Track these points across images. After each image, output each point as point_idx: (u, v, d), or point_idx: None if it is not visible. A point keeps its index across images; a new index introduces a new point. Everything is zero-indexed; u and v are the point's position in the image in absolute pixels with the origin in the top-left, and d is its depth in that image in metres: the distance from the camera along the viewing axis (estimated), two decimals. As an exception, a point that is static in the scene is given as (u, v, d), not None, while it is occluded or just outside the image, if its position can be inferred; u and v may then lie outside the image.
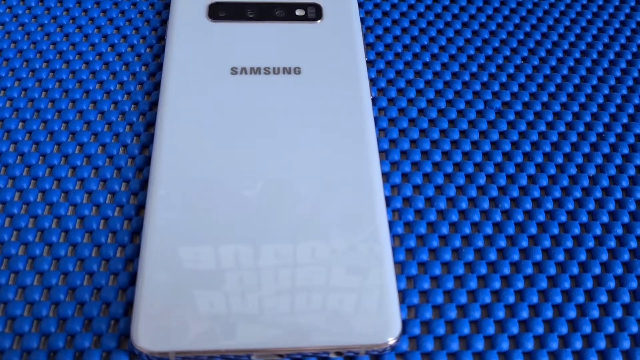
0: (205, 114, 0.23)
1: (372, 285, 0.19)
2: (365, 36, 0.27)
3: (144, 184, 0.22)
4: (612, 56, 0.27)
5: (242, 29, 0.25)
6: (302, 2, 0.26)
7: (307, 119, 0.23)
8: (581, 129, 0.25)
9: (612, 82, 0.26)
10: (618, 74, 0.26)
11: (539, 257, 0.21)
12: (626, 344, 0.20)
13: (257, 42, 0.25)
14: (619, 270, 0.21)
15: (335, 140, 0.22)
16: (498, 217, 0.22)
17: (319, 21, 0.26)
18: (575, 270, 0.21)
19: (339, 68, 0.24)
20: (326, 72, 0.24)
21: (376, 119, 0.24)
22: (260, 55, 0.24)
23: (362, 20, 0.27)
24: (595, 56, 0.27)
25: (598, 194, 0.23)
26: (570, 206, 0.23)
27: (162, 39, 0.26)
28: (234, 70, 0.24)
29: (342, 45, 0.25)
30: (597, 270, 0.21)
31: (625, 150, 0.24)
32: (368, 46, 0.27)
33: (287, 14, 0.26)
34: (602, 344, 0.20)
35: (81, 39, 0.26)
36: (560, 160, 0.24)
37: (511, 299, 0.21)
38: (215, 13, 0.25)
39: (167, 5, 0.27)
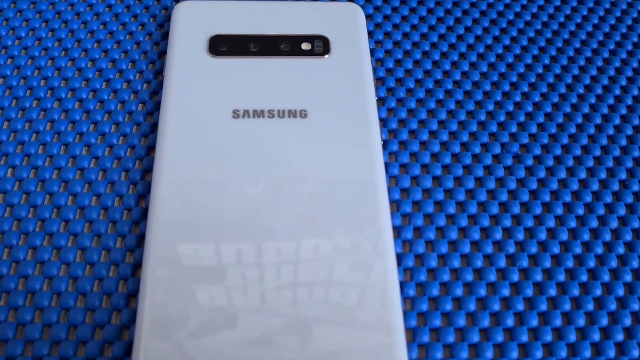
0: (205, 162, 0.21)
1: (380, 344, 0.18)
2: (375, 70, 0.25)
3: (141, 240, 0.21)
4: (630, 101, 0.25)
5: (244, 65, 0.24)
6: (309, 35, 0.25)
7: (314, 168, 0.21)
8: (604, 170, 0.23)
9: (636, 121, 0.25)
10: (636, 122, 0.25)
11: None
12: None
13: (260, 81, 0.23)
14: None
15: (344, 192, 0.21)
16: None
17: (326, 56, 0.24)
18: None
19: (347, 110, 0.23)
20: (334, 115, 0.23)
21: (387, 165, 0.23)
22: (264, 96, 0.23)
23: (372, 52, 0.26)
24: (618, 92, 0.25)
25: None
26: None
27: (159, 73, 0.25)
28: (236, 113, 0.22)
29: (351, 84, 0.23)
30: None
31: (650, 200, 0.23)
32: (378, 81, 0.25)
33: (292, 48, 0.24)
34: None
35: (74, 74, 0.24)
36: (581, 211, 0.22)
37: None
38: (216, 47, 0.24)
39: (166, 35, 0.26)
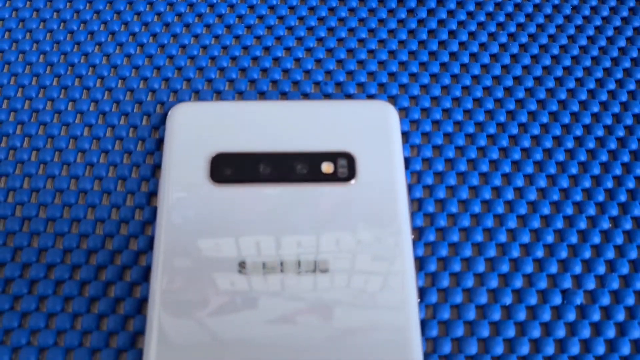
0: (206, 329, 0.18)
1: None
2: (410, 189, 0.21)
3: (160, 144, 0.21)
4: None
5: (252, 196, 0.20)
6: (330, 152, 0.20)
7: (340, 341, 0.18)
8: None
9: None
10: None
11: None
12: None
13: (271, 220, 0.19)
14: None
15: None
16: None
17: (352, 181, 0.20)
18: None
19: (378, 259, 0.19)
20: (361, 269, 0.19)
21: (423, 323, 0.19)
22: (276, 242, 0.19)
23: (407, 162, 0.21)
24: None
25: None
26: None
27: (153, 196, 0.21)
28: (242, 267, 0.19)
29: (381, 221, 0.19)
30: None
31: None
32: (414, 203, 0.21)
33: (310, 170, 0.20)
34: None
35: (53, 199, 0.21)
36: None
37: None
38: (219, 172, 0.20)
39: (160, 142, 0.22)
